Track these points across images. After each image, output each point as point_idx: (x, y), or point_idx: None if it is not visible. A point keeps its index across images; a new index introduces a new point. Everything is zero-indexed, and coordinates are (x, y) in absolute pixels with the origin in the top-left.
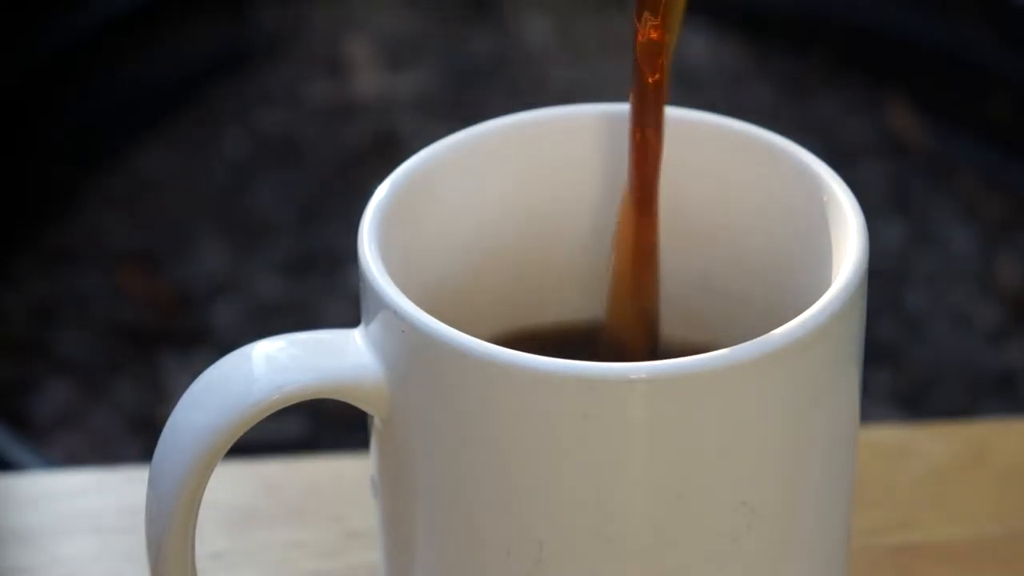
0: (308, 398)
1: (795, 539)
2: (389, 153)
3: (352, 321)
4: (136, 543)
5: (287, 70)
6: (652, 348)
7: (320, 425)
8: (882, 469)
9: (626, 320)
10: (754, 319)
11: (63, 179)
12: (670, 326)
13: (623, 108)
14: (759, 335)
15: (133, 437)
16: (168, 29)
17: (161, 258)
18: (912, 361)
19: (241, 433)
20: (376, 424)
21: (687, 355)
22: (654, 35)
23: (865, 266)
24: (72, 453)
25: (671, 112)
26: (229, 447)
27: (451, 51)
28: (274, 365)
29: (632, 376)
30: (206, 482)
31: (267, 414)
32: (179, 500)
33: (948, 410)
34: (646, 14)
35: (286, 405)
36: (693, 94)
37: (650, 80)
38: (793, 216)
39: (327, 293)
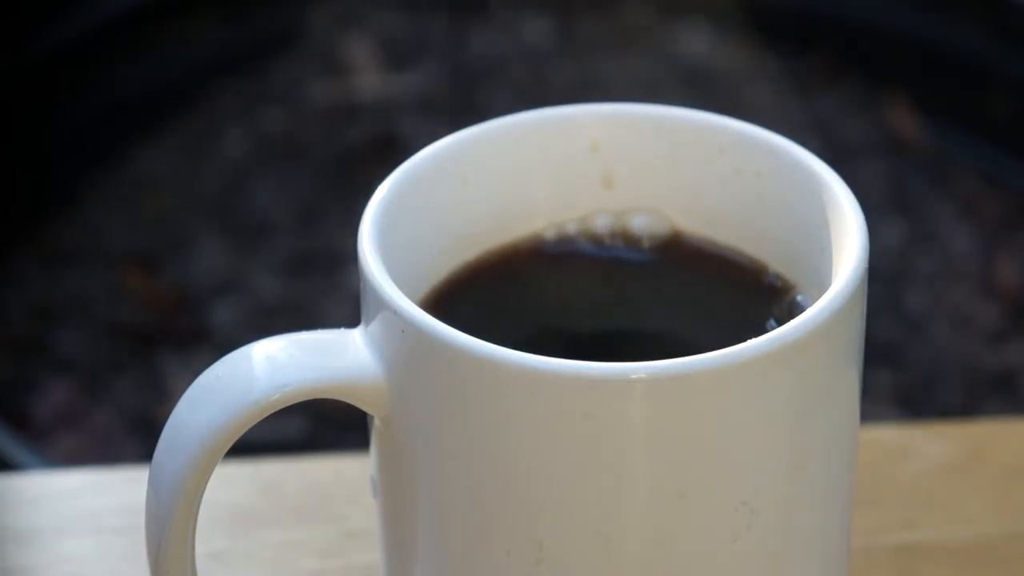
0: (308, 398)
1: (795, 539)
2: (389, 153)
3: (352, 321)
4: (136, 543)
5: (287, 70)
6: None
7: (320, 425)
8: (882, 469)
9: None
10: None
11: (63, 179)
12: None
13: (622, 108)
14: None
15: (133, 437)
16: (168, 29)
17: (161, 258)
18: (912, 361)
19: (241, 432)
20: (376, 424)
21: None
22: None
23: (865, 266)
24: (72, 453)
25: (672, 112)
26: (230, 446)
27: (451, 51)
28: (274, 365)
29: (632, 376)
30: (206, 481)
31: (267, 413)
32: (179, 500)
33: (948, 410)
34: None
35: (286, 405)
36: (693, 94)
37: None
38: (793, 216)
39: (327, 293)
